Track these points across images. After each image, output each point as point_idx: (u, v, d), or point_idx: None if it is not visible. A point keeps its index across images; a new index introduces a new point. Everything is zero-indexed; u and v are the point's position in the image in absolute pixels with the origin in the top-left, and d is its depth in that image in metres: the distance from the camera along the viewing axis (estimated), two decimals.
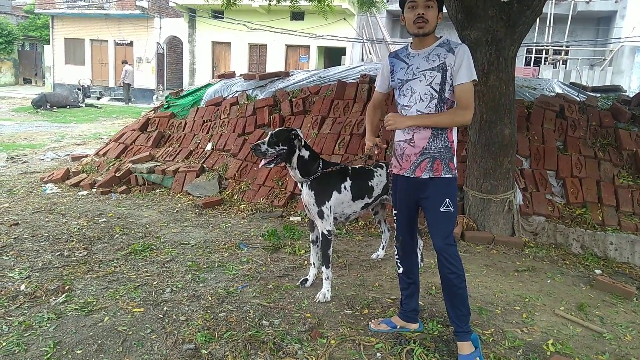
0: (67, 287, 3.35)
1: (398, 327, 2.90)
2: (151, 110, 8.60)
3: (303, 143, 3.23)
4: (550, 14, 18.90)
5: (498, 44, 4.48)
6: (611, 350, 2.86)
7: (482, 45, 4.49)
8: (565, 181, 5.16)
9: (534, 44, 19.63)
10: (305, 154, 3.23)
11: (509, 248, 4.63)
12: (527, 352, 2.76)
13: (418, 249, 3.90)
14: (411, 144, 2.64)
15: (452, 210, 2.60)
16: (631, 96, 6.75)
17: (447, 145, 2.61)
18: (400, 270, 2.89)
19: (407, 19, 2.57)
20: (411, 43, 2.68)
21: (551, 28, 19.28)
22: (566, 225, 4.82)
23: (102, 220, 5.01)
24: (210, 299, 3.24)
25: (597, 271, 4.29)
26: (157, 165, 6.44)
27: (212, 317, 2.99)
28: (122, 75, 21.89)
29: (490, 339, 2.87)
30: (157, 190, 6.24)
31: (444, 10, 2.77)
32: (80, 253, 4.05)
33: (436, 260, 2.67)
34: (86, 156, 7.82)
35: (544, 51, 20.22)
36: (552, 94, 6.53)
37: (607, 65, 18.43)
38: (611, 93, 7.23)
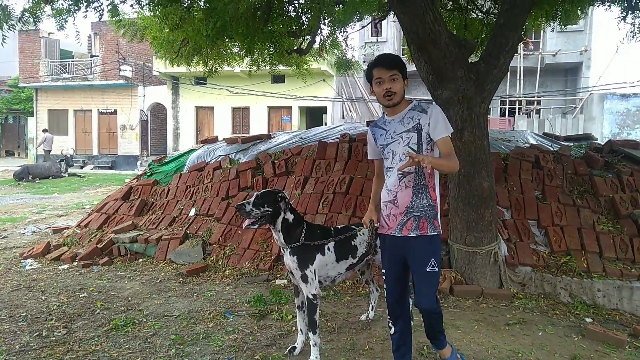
0: None
1: None
2: (134, 179, 8.60)
3: (288, 206, 3.25)
4: (520, 67, 19.81)
5: (469, 102, 4.66)
6: None
7: (454, 104, 4.66)
8: (548, 230, 5.22)
9: (507, 96, 20.39)
10: (290, 217, 3.24)
11: (498, 300, 4.59)
12: None
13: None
14: (395, 204, 2.74)
15: (437, 270, 2.70)
16: (602, 143, 6.99)
17: (430, 203, 2.71)
18: (392, 331, 2.90)
19: (377, 93, 2.77)
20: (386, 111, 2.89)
21: (522, 80, 20.12)
22: (553, 274, 4.82)
23: (82, 295, 4.87)
24: None
25: (588, 319, 4.26)
26: (140, 234, 6.36)
27: None
28: (39, 142, 21.08)
29: None
30: (140, 260, 6.12)
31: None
32: (60, 332, 3.90)
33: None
34: (67, 228, 7.71)
35: (517, 102, 20.99)
36: (527, 145, 6.73)
37: (579, 113, 19.14)
38: (583, 141, 7.48)
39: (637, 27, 5.53)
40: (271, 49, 7.35)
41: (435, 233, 2.72)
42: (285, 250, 3.30)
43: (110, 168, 24.48)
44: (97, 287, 5.13)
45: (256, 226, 3.24)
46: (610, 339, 3.73)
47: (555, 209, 5.39)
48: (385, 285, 2.88)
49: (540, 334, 3.85)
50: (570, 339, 3.79)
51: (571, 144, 7.15)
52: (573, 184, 5.78)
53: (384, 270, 2.90)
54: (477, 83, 4.64)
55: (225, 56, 7.95)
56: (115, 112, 25.22)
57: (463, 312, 4.31)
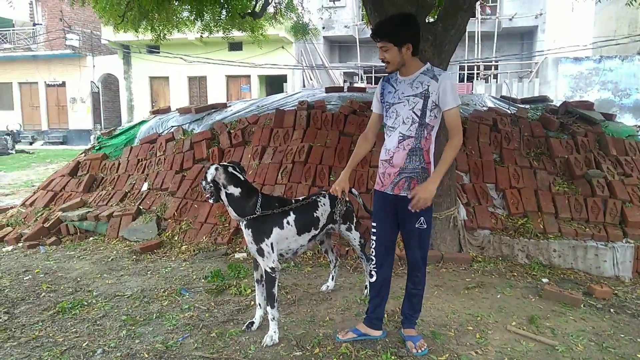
0: None
1: (362, 333, 3.07)
2: (82, 153, 8.14)
3: (227, 181, 3.07)
4: (478, 32, 19.86)
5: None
6: None
7: None
8: (505, 193, 5.24)
9: (466, 61, 20.48)
10: (235, 191, 3.08)
11: (457, 265, 4.61)
12: None
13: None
14: (390, 163, 2.85)
15: (425, 227, 2.84)
16: (558, 105, 7.05)
17: (423, 166, 2.78)
18: (373, 279, 3.03)
19: None
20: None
21: (480, 45, 20.22)
22: (510, 236, 4.87)
23: (27, 277, 4.58)
24: (147, 356, 2.96)
25: (544, 280, 4.33)
26: (89, 212, 6.04)
27: None
28: None
29: None
30: (91, 239, 5.82)
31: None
32: (1, 318, 3.65)
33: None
34: (12, 208, 7.26)
35: (475, 67, 21.14)
36: (485, 108, 6.71)
37: (534, 77, 19.44)
38: (539, 104, 7.53)
39: None
40: (223, 12, 6.98)
41: None
42: (240, 223, 3.16)
43: (62, 143, 23.38)
44: (43, 268, 4.84)
45: (212, 200, 3.14)
46: (566, 298, 3.79)
47: (513, 171, 5.41)
48: (374, 237, 3.00)
49: (498, 296, 3.88)
50: (527, 300, 3.83)
51: (528, 106, 7.19)
52: (530, 145, 5.81)
53: (375, 223, 3.00)
54: (435, 44, 4.51)
55: (175, 21, 7.52)
56: (63, 84, 23.93)
57: None
